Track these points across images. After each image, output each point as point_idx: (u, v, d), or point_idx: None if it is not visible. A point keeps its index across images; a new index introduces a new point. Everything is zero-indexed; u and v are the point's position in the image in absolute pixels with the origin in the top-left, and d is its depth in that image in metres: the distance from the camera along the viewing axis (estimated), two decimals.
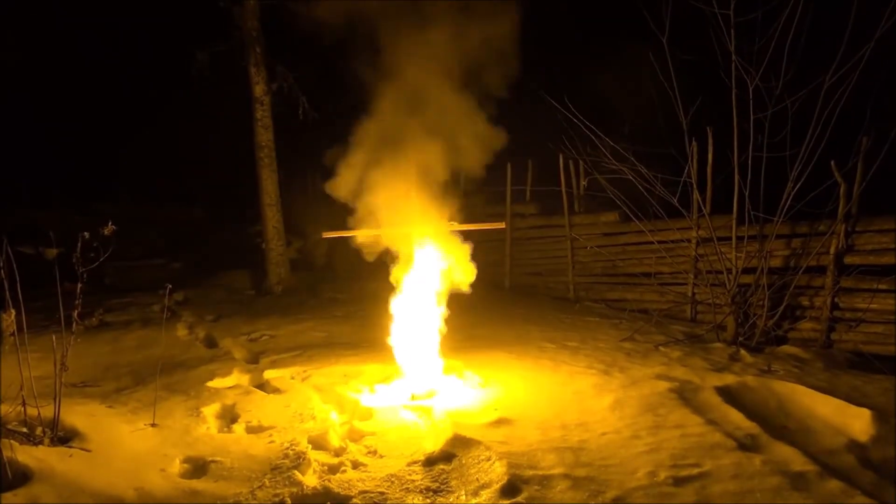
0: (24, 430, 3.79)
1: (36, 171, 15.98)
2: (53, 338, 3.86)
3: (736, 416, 4.28)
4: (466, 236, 5.60)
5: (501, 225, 6.35)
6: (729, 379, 5.14)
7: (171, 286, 5.24)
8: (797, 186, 6.42)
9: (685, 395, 4.76)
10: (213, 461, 3.86)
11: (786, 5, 6.06)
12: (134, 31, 15.59)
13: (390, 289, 5.65)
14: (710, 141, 7.35)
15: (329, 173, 5.47)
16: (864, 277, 6.50)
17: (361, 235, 5.62)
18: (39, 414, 3.85)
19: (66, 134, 16.84)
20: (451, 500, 3.49)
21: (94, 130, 17.06)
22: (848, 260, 6.62)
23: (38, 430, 3.82)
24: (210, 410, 4.74)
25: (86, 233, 3.94)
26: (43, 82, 15.69)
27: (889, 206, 6.45)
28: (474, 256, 5.58)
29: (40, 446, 3.64)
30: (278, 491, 3.49)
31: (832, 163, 6.39)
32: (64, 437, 3.85)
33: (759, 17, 6.19)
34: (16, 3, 14.21)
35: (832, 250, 6.60)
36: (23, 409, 3.82)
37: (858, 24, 5.86)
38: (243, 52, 10.67)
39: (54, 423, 3.85)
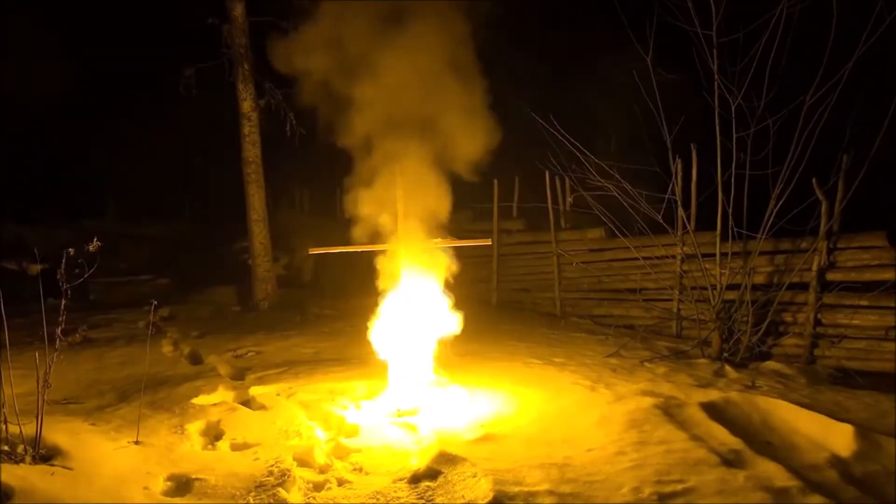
0: (6, 447, 3.74)
1: (21, 187, 15.92)
2: (36, 354, 3.84)
3: (720, 432, 4.30)
4: (454, 253, 5.62)
5: (488, 241, 6.42)
6: (713, 395, 5.17)
7: (156, 302, 5.21)
8: (780, 204, 6.51)
9: (670, 411, 4.78)
10: (196, 479, 3.83)
11: (767, 27, 6.18)
12: (122, 47, 15.63)
13: (377, 305, 5.65)
14: (695, 159, 7.45)
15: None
16: (846, 294, 6.57)
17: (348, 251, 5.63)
18: (21, 432, 3.81)
19: (52, 150, 16.80)
20: None
21: (81, 147, 17.04)
22: (830, 276, 6.69)
23: (20, 448, 3.77)
24: (194, 428, 4.70)
25: (71, 248, 3.92)
26: (29, 98, 15.67)
27: (870, 224, 6.54)
28: (461, 273, 5.59)
29: (22, 464, 3.60)
30: None
31: (814, 180, 6.47)
32: (46, 455, 3.81)
33: (741, 38, 6.30)
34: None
35: (814, 267, 6.67)
36: (4, 426, 3.78)
37: (838, 45, 5.99)
38: (231, 68, 10.70)
39: (36, 441, 3.81)
